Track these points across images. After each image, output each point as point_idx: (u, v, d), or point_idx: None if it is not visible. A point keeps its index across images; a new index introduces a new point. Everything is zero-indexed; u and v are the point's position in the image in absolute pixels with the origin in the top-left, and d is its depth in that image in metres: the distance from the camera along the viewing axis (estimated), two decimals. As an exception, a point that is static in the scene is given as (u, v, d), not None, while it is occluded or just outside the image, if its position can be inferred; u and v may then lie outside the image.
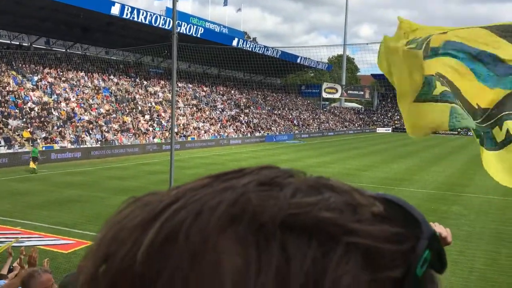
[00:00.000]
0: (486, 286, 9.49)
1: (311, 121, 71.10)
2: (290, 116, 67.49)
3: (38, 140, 29.54)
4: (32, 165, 24.11)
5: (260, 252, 0.31)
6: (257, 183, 0.35)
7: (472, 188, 21.54)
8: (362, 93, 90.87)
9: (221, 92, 60.08)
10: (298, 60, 66.86)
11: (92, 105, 38.69)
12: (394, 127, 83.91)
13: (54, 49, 44.08)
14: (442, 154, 40.28)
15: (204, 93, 56.42)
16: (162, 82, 51.68)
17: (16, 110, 31.92)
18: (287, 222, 0.32)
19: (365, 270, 0.32)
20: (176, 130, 39.50)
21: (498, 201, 18.22)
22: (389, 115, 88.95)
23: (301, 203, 0.33)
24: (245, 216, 0.32)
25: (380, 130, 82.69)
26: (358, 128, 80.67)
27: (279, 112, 66.71)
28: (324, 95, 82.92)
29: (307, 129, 65.51)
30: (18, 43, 41.43)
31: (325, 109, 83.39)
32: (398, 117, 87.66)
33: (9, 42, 40.80)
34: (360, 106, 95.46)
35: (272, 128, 58.04)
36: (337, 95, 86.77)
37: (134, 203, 0.36)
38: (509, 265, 10.82)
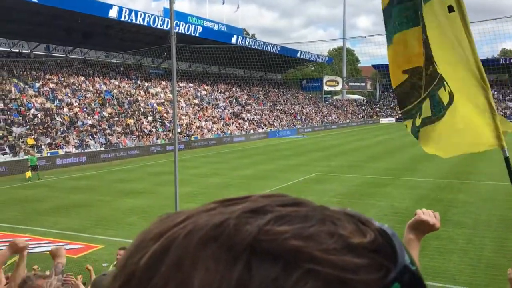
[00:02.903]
0: (495, 273, 9.48)
1: (314, 115, 71.01)
2: (293, 111, 67.43)
3: (43, 146, 29.68)
4: (28, 174, 23.79)
5: (227, 268, 0.37)
6: (245, 210, 0.42)
7: (478, 175, 21.50)
8: (363, 84, 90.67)
9: (222, 90, 60.09)
10: (298, 55, 66.72)
11: (95, 109, 38.80)
12: (397, 117, 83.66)
13: (54, 54, 44.19)
14: (447, 142, 40.11)
15: (205, 92, 56.44)
16: (163, 82, 51.74)
17: (20, 118, 32.06)
18: (254, 246, 0.38)
19: None
20: (179, 130, 39.62)
21: (504, 187, 18.15)
22: (392, 106, 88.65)
23: (271, 231, 0.39)
24: (222, 237, 0.39)
25: (383, 120, 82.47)
26: (361, 119, 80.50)
27: (281, 107, 66.67)
28: (326, 88, 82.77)
29: (310, 123, 65.45)
30: (18, 50, 41.55)
31: (327, 102, 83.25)
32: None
33: (9, 50, 40.92)
34: (362, 97, 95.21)
35: (275, 123, 58.02)
36: (338, 88, 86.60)
37: (161, 219, 0.45)
38: (520, 250, 10.82)
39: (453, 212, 14.43)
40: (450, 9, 2.69)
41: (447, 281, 9.16)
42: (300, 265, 0.37)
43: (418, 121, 3.05)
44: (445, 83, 2.81)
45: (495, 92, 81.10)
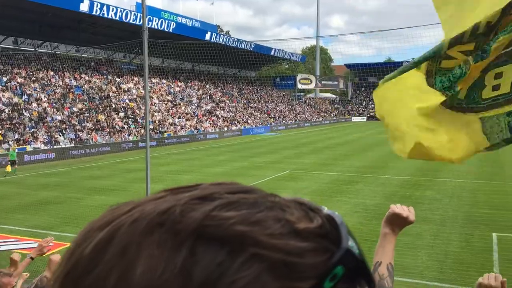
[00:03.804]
0: (461, 268, 9.77)
1: (287, 112, 71.39)
2: (266, 109, 67.62)
3: (10, 142, 28.89)
4: (8, 168, 23.77)
5: (171, 254, 0.38)
6: (192, 197, 0.42)
7: (445, 173, 22.05)
8: (336, 83, 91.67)
9: (196, 87, 59.72)
10: (272, 52, 66.93)
11: (65, 105, 37.99)
12: (369, 115, 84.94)
13: (22, 48, 43.02)
14: (416, 140, 40.97)
15: (178, 89, 55.99)
16: (136, 78, 51.05)
17: (-14, 113, 31.14)
18: (200, 231, 0.39)
19: (273, 279, 0.38)
20: (151, 126, 39.21)
21: (469, 184, 18.72)
22: (363, 104, 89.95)
23: (217, 216, 0.40)
24: (167, 224, 0.40)
25: (355, 119, 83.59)
26: (334, 118, 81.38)
27: (255, 105, 66.76)
28: (299, 86, 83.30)
29: (283, 121, 65.78)
30: (-16, 43, 40.33)
31: (300, 100, 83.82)
32: (373, 106, 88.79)
33: (-26, 42, 39.68)
34: (335, 96, 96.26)
35: (249, 121, 58.07)
36: (311, 86, 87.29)
37: (110, 209, 0.45)
38: (482, 246, 11.16)
39: (421, 209, 14.76)
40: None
41: (415, 277, 9.37)
42: (245, 250, 0.38)
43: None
44: None
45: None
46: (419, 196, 17.14)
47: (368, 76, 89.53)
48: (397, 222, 1.93)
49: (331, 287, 0.39)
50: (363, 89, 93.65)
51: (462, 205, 15.63)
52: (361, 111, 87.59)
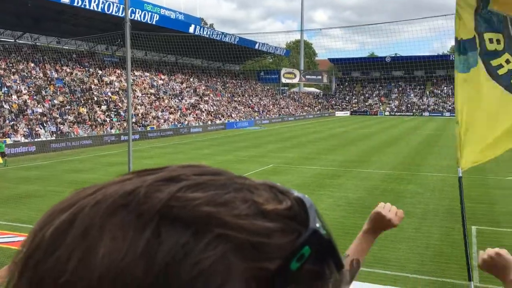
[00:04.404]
0: (441, 260, 9.92)
1: (271, 107, 71.44)
2: (250, 103, 67.55)
3: (-11, 135, 28.38)
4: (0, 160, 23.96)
5: (135, 236, 0.37)
6: (158, 178, 0.42)
7: (427, 167, 22.34)
8: (320, 77, 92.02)
9: (179, 80, 59.33)
10: (256, 46, 66.80)
11: (45, 97, 37.40)
12: (352, 110, 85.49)
13: (2, 39, 42.14)
14: (398, 135, 41.42)
15: (162, 82, 55.55)
16: (118, 71, 50.47)
17: (-36, 104, 30.50)
18: (164, 212, 0.38)
19: (238, 259, 0.38)
20: (134, 120, 38.86)
21: (451, 179, 18.97)
22: (347, 99, 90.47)
23: (182, 197, 0.39)
24: (131, 205, 0.39)
25: (339, 113, 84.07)
26: (318, 112, 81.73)
27: (239, 99, 66.63)
28: (283, 80, 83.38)
29: (267, 115, 65.81)
30: (-38, 33, 39.43)
31: (284, 95, 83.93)
32: (356, 100, 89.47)
33: (-48, 32, 38.75)
34: (318, 90, 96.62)
35: (233, 115, 57.95)
36: (295, 80, 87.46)
37: (74, 192, 0.44)
38: (461, 239, 11.32)
39: (403, 202, 14.95)
40: None
41: (396, 269, 9.49)
42: (210, 230, 0.38)
43: None
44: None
45: (445, 88, 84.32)
46: (401, 190, 17.34)
47: (351, 70, 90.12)
48: (379, 223, 1.81)
49: (298, 267, 0.39)
50: (346, 83, 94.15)
51: (443, 198, 15.86)
52: (344, 105, 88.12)
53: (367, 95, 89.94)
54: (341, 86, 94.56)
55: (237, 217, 0.39)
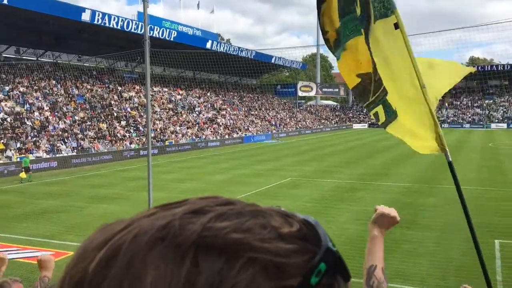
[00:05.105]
0: (463, 274, 9.74)
1: (288, 120, 71.47)
2: (267, 116, 67.71)
3: (12, 151, 28.96)
4: (23, 175, 24.42)
5: (176, 266, 0.41)
6: (186, 211, 0.46)
7: (448, 179, 22.00)
8: (337, 90, 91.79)
9: (197, 95, 59.88)
10: (273, 60, 67.14)
11: (66, 113, 38.12)
12: (370, 122, 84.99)
13: (24, 58, 43.24)
14: (417, 147, 40.93)
15: (180, 97, 56.14)
16: (137, 87, 51.22)
17: (-12, 122, 31.25)
18: (199, 242, 0.42)
19: (266, 279, 0.42)
20: (153, 134, 39.27)
21: (471, 191, 18.68)
22: (364, 111, 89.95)
23: (213, 227, 0.44)
24: (168, 238, 0.43)
25: (356, 126, 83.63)
26: (335, 125, 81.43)
27: (256, 112, 66.86)
28: (300, 93, 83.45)
29: (284, 128, 65.83)
30: (-14, 53, 40.56)
31: (301, 108, 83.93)
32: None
33: (-23, 52, 39.91)
34: (335, 103, 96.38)
35: (250, 128, 58.14)
36: (312, 93, 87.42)
37: (101, 229, 0.48)
38: (484, 253, 11.06)
39: (423, 216, 14.76)
40: (396, 26, 2.84)
41: (417, 284, 9.35)
42: (241, 255, 0.42)
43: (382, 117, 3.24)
44: (387, 98, 3.00)
45: (464, 99, 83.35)
46: (421, 203, 17.12)
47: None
48: (385, 223, 1.96)
49: (317, 282, 0.44)
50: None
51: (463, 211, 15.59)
52: (362, 118, 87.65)
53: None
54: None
55: (262, 241, 0.44)
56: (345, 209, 16.33)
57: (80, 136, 35.25)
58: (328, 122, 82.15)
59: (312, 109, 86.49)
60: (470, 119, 77.07)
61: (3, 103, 34.42)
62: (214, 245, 0.42)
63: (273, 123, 65.98)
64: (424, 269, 10.24)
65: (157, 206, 0.49)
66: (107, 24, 39.40)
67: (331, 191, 19.88)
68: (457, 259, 10.82)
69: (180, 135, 44.89)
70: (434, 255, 11.06)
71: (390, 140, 49.84)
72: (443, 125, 78.46)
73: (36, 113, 35.68)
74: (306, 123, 74.53)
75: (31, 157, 29.11)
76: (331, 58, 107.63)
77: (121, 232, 0.45)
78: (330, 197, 18.67)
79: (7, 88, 36.72)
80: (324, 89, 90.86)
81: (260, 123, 62.52)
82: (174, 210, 0.46)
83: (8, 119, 32.79)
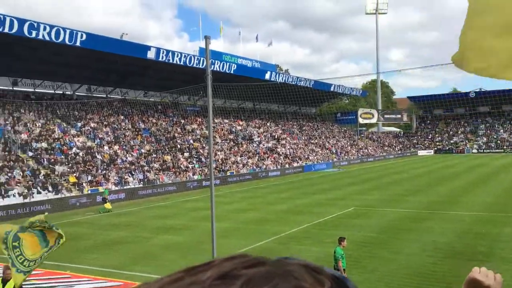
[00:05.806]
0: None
1: (349, 148, 70.38)
2: (328, 144, 67.08)
3: (84, 184, 30.51)
4: (108, 205, 26.14)
5: None
6: (215, 277, 0.46)
7: (524, 208, 20.60)
8: (399, 116, 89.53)
9: (257, 125, 60.63)
10: (332, 88, 66.93)
11: (134, 147, 39.82)
12: (436, 148, 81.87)
13: (95, 95, 46.03)
14: (489, 173, 38.80)
15: (240, 127, 57.08)
16: (199, 119, 52.73)
17: (62, 156, 33.23)
18: None
19: None
20: (214, 165, 39.98)
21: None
22: (429, 137, 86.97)
23: None
24: None
25: (421, 152, 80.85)
26: (399, 152, 79.14)
27: (316, 141, 66.48)
28: (361, 121, 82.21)
29: (346, 157, 64.82)
30: (61, 92, 43.55)
31: (362, 135, 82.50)
32: (439, 138, 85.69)
33: (53, 92, 42.94)
34: (398, 129, 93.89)
35: (310, 157, 57.78)
36: (373, 120, 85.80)
37: None
38: None
39: (499, 247, 13.83)
40: None
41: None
42: None
43: None
44: None
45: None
46: (497, 233, 16.08)
47: (433, 107, 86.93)
48: None
49: None
50: (428, 121, 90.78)
51: (545, 242, 14.46)
52: (427, 144, 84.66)
53: (451, 132, 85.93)
54: (423, 124, 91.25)
55: None
56: (412, 240, 15.65)
57: (146, 168, 36.59)
58: (391, 149, 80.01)
59: (373, 136, 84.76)
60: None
61: (76, 139, 36.57)
62: None
63: (334, 151, 65.21)
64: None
65: (182, 270, 0.49)
66: (170, 61, 41.17)
67: (397, 221, 19.17)
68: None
69: (241, 165, 45.40)
70: (513, 290, 10.27)
71: (458, 166, 47.64)
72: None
73: (106, 147, 37.56)
74: (368, 150, 73.03)
75: (101, 189, 30.52)
76: (392, 84, 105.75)
77: None
78: (395, 227, 18.00)
79: (79, 124, 39.07)
80: (386, 116, 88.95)
81: (320, 152, 62.02)
82: (201, 276, 0.46)
83: (80, 154, 34.71)
